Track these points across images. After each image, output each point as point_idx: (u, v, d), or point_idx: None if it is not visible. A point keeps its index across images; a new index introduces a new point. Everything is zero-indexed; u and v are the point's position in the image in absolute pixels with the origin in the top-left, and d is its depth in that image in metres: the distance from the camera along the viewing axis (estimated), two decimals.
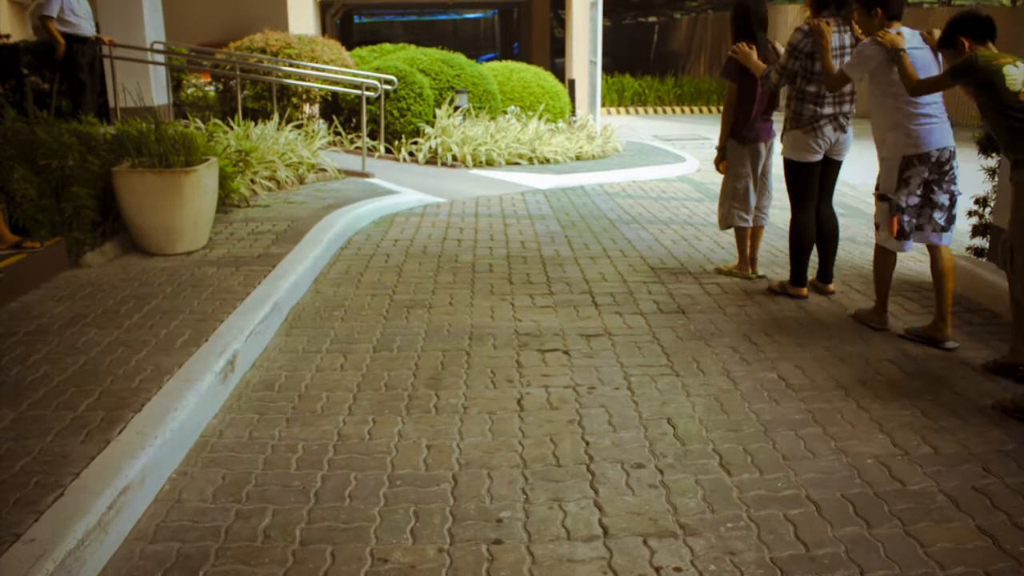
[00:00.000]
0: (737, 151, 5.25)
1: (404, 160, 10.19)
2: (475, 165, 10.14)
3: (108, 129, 6.26)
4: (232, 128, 8.32)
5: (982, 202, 5.52)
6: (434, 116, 10.76)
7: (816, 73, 4.64)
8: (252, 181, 7.38)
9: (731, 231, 5.67)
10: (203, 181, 5.45)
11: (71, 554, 2.26)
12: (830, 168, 4.90)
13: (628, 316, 4.60)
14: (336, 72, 10.10)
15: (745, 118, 5.17)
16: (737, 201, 5.31)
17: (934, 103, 4.10)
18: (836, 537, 2.55)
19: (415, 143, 10.44)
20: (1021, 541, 2.53)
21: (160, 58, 10.61)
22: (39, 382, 3.40)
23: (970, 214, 5.61)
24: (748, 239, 5.38)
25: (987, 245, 5.31)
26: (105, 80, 9.08)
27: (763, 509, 2.70)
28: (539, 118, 11.64)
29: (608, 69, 19.72)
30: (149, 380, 3.41)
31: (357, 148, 9.80)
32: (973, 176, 5.83)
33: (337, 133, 10.41)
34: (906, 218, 4.15)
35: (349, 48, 11.83)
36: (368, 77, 9.78)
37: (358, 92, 9.54)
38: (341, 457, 3.02)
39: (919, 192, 4.15)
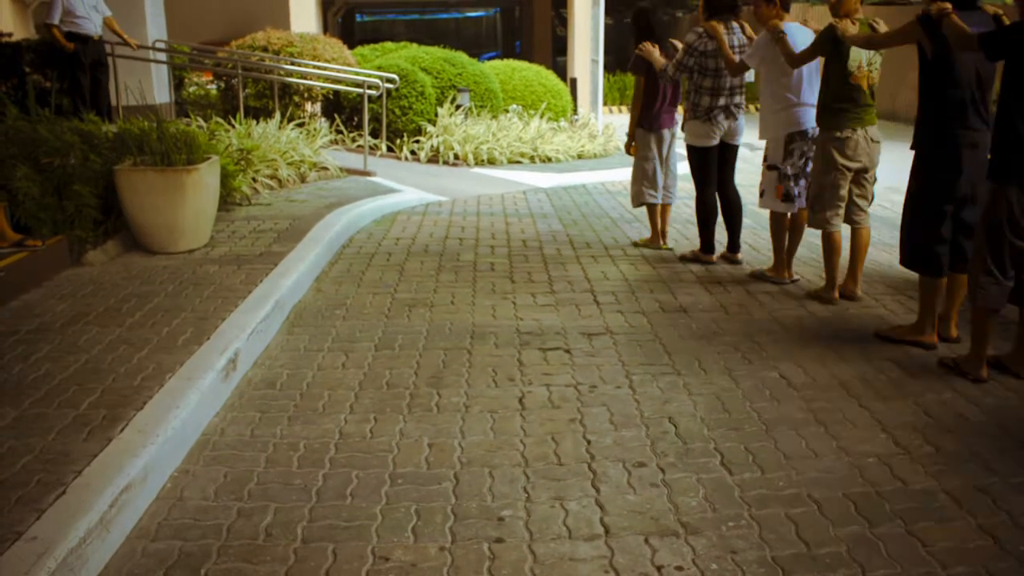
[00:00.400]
0: (644, 137, 5.98)
1: (406, 159, 10.19)
2: (477, 164, 10.14)
3: (110, 127, 6.27)
4: (234, 126, 8.32)
5: None
6: (436, 115, 10.77)
7: (711, 69, 5.39)
8: (254, 179, 7.38)
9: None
10: (205, 179, 5.46)
11: (73, 552, 2.26)
12: (728, 151, 5.65)
13: (630, 315, 4.60)
14: (338, 71, 10.10)
15: (650, 109, 5.89)
16: (647, 182, 6.05)
17: (808, 92, 4.95)
18: (837, 536, 2.55)
19: (417, 142, 10.44)
20: (1023, 540, 2.53)
21: (162, 56, 10.63)
22: (41, 380, 3.40)
23: None
24: (658, 215, 6.12)
25: None
26: (108, 78, 9.09)
27: (764, 508, 2.70)
28: (541, 117, 11.64)
29: (610, 68, 19.69)
30: (151, 378, 3.41)
31: (359, 147, 9.80)
32: None
33: (339, 132, 10.42)
34: (791, 184, 5.04)
35: (351, 46, 11.84)
36: (370, 76, 9.79)
37: (360, 91, 9.54)
38: (343, 455, 3.02)
39: (801, 163, 5.02)
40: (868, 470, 2.94)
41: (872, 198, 4.79)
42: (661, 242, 6.16)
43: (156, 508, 2.69)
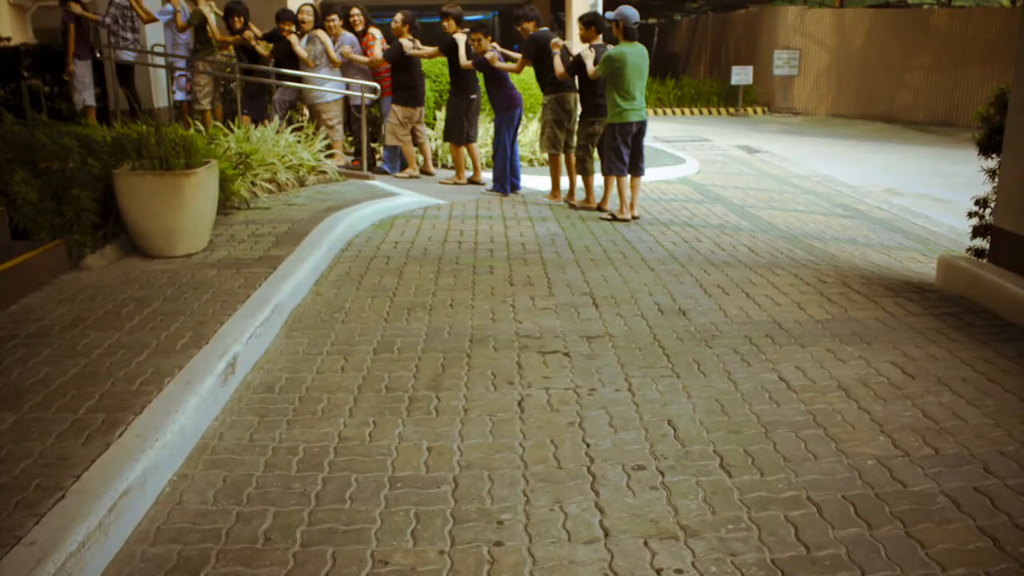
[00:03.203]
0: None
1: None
2: None
3: (108, 132, 6.27)
4: (232, 131, 8.32)
5: (982, 203, 5.52)
6: (434, 118, 10.76)
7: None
8: (252, 183, 7.38)
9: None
10: (203, 183, 5.46)
11: (71, 557, 2.26)
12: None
13: (629, 318, 4.60)
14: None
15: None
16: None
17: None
18: (837, 538, 2.55)
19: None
20: (1022, 542, 2.53)
21: (160, 60, 10.63)
22: (40, 384, 3.40)
23: (970, 215, 5.61)
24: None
25: (987, 246, 5.31)
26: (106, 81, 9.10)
27: (764, 510, 2.70)
28: (539, 120, 11.61)
29: None
30: (150, 382, 3.41)
31: (357, 150, 9.79)
32: (974, 177, 5.84)
33: None
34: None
35: None
36: None
37: (358, 94, 9.53)
38: (342, 459, 3.02)
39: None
40: (867, 472, 2.94)
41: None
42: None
43: (155, 512, 2.68)
